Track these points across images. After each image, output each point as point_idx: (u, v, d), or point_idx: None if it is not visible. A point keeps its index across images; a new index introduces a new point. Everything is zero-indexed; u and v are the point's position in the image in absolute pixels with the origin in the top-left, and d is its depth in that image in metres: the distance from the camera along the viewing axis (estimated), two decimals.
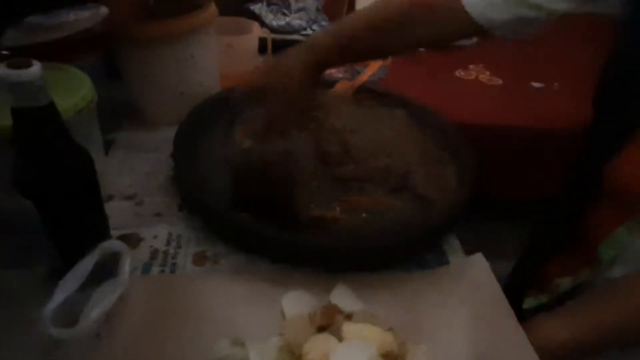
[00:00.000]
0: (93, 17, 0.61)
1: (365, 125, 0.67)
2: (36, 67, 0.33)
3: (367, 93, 0.76)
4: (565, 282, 0.52)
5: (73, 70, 0.52)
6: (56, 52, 0.56)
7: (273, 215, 0.49)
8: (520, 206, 1.29)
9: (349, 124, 0.65)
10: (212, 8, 0.68)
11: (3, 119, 0.38)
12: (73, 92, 0.47)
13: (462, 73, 1.59)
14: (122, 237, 0.51)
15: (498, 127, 1.35)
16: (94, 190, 0.42)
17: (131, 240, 0.51)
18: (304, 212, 0.51)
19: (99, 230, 0.45)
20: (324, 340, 0.38)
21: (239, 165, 0.54)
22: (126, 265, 0.43)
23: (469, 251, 0.52)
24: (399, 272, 0.49)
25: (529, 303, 0.55)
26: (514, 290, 0.52)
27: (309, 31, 0.95)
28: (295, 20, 0.94)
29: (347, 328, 0.39)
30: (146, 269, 0.48)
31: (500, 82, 1.59)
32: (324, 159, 0.61)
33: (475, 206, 0.54)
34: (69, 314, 0.39)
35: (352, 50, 0.55)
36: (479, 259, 0.48)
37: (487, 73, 1.61)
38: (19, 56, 0.35)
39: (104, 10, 0.63)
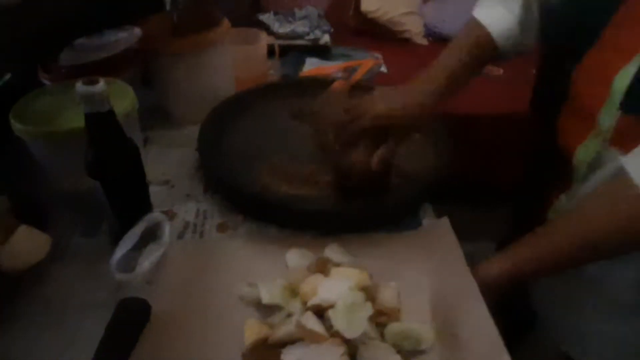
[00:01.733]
0: (130, 37, 0.75)
1: None
2: (102, 84, 0.47)
3: (360, 89, 0.87)
4: None
5: (118, 82, 0.65)
6: (103, 68, 0.70)
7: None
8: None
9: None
10: (226, 24, 0.81)
11: (77, 123, 0.52)
12: (121, 100, 0.61)
13: None
14: (160, 213, 0.64)
15: (494, 116, 1.44)
16: (141, 173, 0.56)
17: (168, 215, 0.65)
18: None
19: (146, 205, 0.59)
20: (315, 278, 0.50)
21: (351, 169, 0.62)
22: (167, 230, 0.56)
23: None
24: (381, 234, 0.61)
25: None
26: None
27: (311, 36, 1.07)
28: (299, 27, 1.06)
29: (334, 271, 0.52)
30: (181, 236, 0.62)
31: (501, 72, 1.67)
32: (323, 147, 0.73)
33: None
34: (127, 265, 0.53)
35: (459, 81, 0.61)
36: (444, 221, 0.59)
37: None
38: (74, 73, 0.48)
39: (138, 31, 0.77)
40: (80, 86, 0.46)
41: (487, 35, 0.59)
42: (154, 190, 0.68)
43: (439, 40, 2.04)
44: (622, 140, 0.45)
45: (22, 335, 0.50)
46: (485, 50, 0.60)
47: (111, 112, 0.49)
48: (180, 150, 0.78)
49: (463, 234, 0.59)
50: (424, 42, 2.04)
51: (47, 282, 0.55)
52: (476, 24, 0.61)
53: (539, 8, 0.58)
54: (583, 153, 0.52)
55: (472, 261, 0.54)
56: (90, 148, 0.50)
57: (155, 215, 0.57)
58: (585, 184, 0.54)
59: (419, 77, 0.61)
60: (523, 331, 0.74)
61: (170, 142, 0.81)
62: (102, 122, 0.48)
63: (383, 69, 1.79)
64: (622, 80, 0.45)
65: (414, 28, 2.00)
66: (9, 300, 0.52)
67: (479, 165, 1.49)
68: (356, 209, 0.62)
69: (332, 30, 1.12)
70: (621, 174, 0.43)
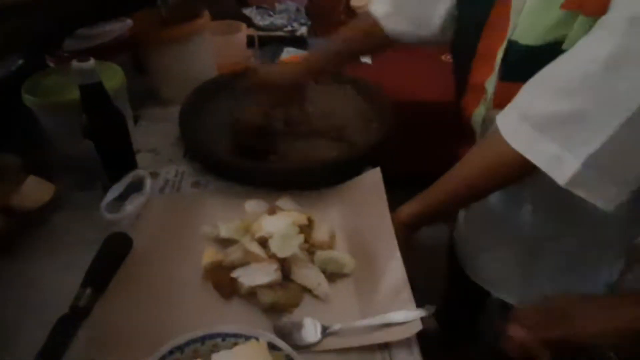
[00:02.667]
0: (122, 27, 0.88)
1: (321, 97, 0.91)
2: (92, 61, 0.59)
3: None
4: None
5: (110, 64, 0.78)
6: (99, 53, 0.82)
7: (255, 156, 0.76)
8: None
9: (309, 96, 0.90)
10: (206, 16, 0.93)
11: (73, 94, 0.65)
12: (111, 78, 0.74)
13: (448, 57, 1.75)
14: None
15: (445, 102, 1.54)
16: (127, 137, 0.69)
17: (152, 175, 0.77)
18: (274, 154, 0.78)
19: (131, 163, 0.71)
20: (264, 218, 0.63)
21: (239, 125, 0.81)
22: (148, 184, 0.69)
23: None
24: (325, 190, 0.73)
25: None
26: None
27: (289, 27, 1.19)
28: (278, 20, 1.18)
29: (279, 213, 0.64)
30: (161, 191, 0.75)
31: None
32: (288, 121, 0.85)
33: None
34: (116, 208, 0.66)
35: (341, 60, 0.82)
36: (375, 171, 0.71)
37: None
38: (74, 57, 0.60)
39: (129, 22, 0.90)
40: (74, 63, 0.59)
41: (375, 23, 0.73)
42: (142, 157, 0.82)
43: None
44: (503, 102, 0.57)
45: (29, 262, 0.63)
46: (375, 38, 0.75)
47: (100, 84, 0.61)
48: (166, 124, 0.91)
49: None
50: None
51: (52, 223, 0.68)
52: (368, 15, 0.75)
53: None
54: (477, 115, 0.64)
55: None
56: (84, 113, 0.63)
57: (139, 171, 0.70)
58: (482, 138, 0.65)
59: (304, 56, 0.82)
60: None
61: (158, 118, 0.93)
62: (92, 91, 0.61)
63: (367, 60, 1.90)
64: (499, 55, 0.57)
65: None
66: (18, 235, 0.65)
67: (426, 151, 1.56)
68: (304, 170, 0.74)
69: (309, 22, 1.24)
70: (494, 129, 0.54)
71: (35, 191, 0.64)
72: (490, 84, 0.59)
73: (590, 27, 0.47)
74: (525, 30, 0.54)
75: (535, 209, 0.65)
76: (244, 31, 1.06)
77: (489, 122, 0.62)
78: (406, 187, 0.77)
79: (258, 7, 1.22)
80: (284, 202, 0.70)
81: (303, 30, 1.21)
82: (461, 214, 0.84)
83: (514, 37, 0.55)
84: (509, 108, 0.53)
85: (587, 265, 0.68)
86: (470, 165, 0.57)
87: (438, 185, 0.61)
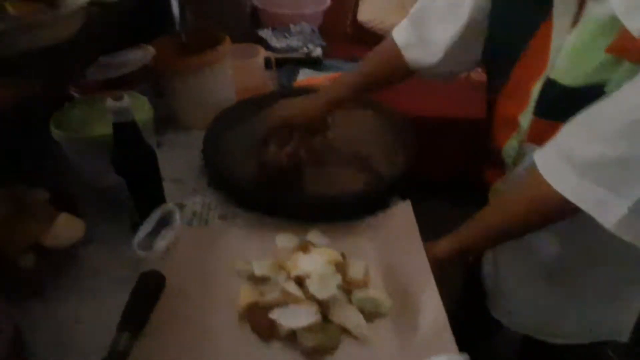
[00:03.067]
0: (145, 55, 0.88)
1: (342, 123, 0.91)
2: (127, 99, 0.59)
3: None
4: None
5: (136, 94, 0.78)
6: (123, 83, 0.82)
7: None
8: None
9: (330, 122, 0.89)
10: (227, 42, 0.93)
11: (103, 130, 0.65)
12: (139, 110, 0.73)
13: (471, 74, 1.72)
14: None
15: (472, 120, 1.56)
16: (156, 171, 0.68)
17: (179, 206, 0.77)
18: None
19: (160, 197, 0.71)
20: (298, 255, 0.62)
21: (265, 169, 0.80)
22: (177, 218, 0.69)
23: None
24: (354, 222, 0.73)
25: None
26: None
27: (305, 49, 1.19)
28: (294, 42, 1.18)
29: (313, 251, 0.64)
30: (189, 223, 0.74)
31: (484, 78, 1.77)
32: (310, 150, 0.85)
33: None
34: (146, 245, 0.65)
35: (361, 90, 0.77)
36: (406, 204, 0.71)
37: (479, 70, 1.78)
38: (99, 87, 0.60)
39: (152, 50, 0.90)
40: (110, 101, 0.59)
41: (398, 53, 0.72)
42: (166, 186, 0.81)
43: None
44: (538, 138, 0.57)
45: (62, 302, 0.62)
46: (397, 69, 0.74)
47: (134, 122, 0.61)
48: (188, 151, 0.91)
49: (438, 225, 0.71)
50: None
51: (82, 259, 0.67)
52: (390, 44, 0.74)
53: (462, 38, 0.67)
54: (510, 149, 0.64)
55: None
56: (117, 151, 0.63)
57: (169, 205, 0.70)
58: (513, 172, 0.65)
59: (323, 87, 0.78)
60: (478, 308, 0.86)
61: (180, 144, 0.93)
62: (126, 130, 0.61)
63: None
64: (535, 91, 0.57)
65: None
66: (52, 273, 0.64)
67: (454, 164, 1.60)
68: (333, 202, 0.74)
69: (324, 44, 1.24)
70: (531, 167, 0.54)
71: (66, 229, 0.64)
72: (525, 119, 0.59)
73: (635, 73, 0.47)
74: (565, 70, 0.54)
75: (568, 244, 0.65)
76: (262, 54, 1.06)
77: (521, 155, 0.62)
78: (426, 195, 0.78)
79: (274, 29, 1.22)
80: (314, 236, 0.69)
81: (318, 51, 1.22)
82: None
83: (553, 76, 0.55)
84: (549, 148, 0.53)
85: (621, 300, 0.68)
86: (510, 204, 0.57)
87: (475, 223, 0.60)
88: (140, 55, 0.87)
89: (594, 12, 0.50)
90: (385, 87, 0.78)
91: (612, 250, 0.60)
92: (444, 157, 1.55)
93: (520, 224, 0.57)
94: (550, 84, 0.55)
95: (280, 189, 0.77)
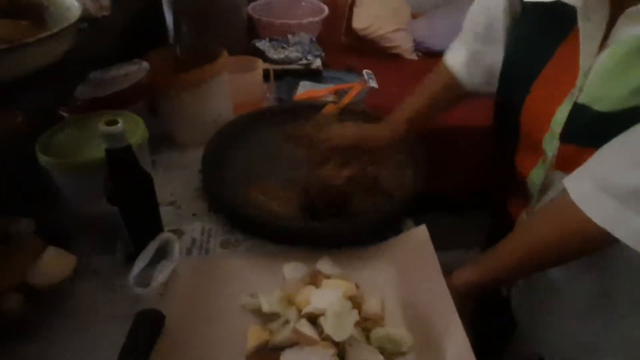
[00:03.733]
0: (139, 71, 0.83)
1: None
2: (121, 124, 0.54)
3: (349, 113, 0.95)
4: None
5: (130, 115, 0.72)
6: (115, 101, 0.77)
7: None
8: None
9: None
10: (224, 56, 0.89)
11: (94, 154, 0.60)
12: (134, 132, 0.68)
13: None
14: (170, 232, 0.71)
15: (477, 128, 1.53)
16: (153, 199, 0.63)
17: (176, 233, 0.72)
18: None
19: (157, 226, 0.66)
20: (308, 290, 0.57)
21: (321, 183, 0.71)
22: (176, 249, 0.64)
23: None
24: (365, 248, 0.68)
25: None
26: None
27: (304, 61, 1.15)
28: (293, 53, 1.14)
29: (325, 283, 0.59)
30: (188, 252, 0.69)
31: None
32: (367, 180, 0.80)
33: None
34: (143, 280, 0.60)
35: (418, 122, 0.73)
36: (422, 229, 0.67)
37: None
38: (89, 106, 0.55)
39: (145, 65, 0.85)
40: (102, 126, 0.54)
41: (453, 79, 0.69)
42: (162, 210, 0.75)
43: (427, 54, 2.13)
44: (566, 165, 0.53)
45: (52, 344, 0.56)
46: (453, 92, 0.70)
47: (128, 147, 0.56)
48: (186, 171, 0.85)
49: (447, 240, 0.67)
50: (414, 57, 2.13)
51: (72, 296, 0.61)
52: (444, 68, 0.71)
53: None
54: (535, 177, 0.60)
55: (448, 268, 0.61)
56: (110, 178, 0.57)
57: (166, 234, 0.65)
58: (540, 203, 0.61)
59: (387, 117, 0.73)
60: (505, 337, 0.82)
61: (176, 164, 0.88)
62: (120, 156, 0.56)
63: (374, 84, 1.87)
64: (560, 116, 0.53)
65: (403, 44, 2.09)
66: (40, 313, 0.59)
67: (463, 174, 1.58)
68: (343, 227, 0.69)
69: (323, 54, 1.20)
70: (563, 195, 0.50)
71: (54, 265, 0.58)
72: (549, 144, 0.55)
73: None
74: (597, 94, 0.50)
75: (607, 275, 0.61)
76: (261, 67, 1.02)
77: (548, 184, 0.58)
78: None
79: (271, 40, 1.17)
80: (324, 265, 0.65)
81: (318, 62, 1.17)
82: None
83: (582, 101, 0.51)
84: (582, 176, 0.49)
85: None
86: (539, 234, 0.53)
87: (500, 252, 0.56)
88: (134, 71, 0.82)
89: (627, 33, 0.46)
90: (442, 112, 0.75)
91: None
92: (453, 167, 1.53)
93: (551, 256, 0.53)
94: (579, 109, 0.51)
95: (327, 213, 0.71)
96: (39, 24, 0.51)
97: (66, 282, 0.59)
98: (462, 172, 1.70)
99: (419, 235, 0.66)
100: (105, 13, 0.61)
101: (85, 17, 0.58)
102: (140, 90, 0.81)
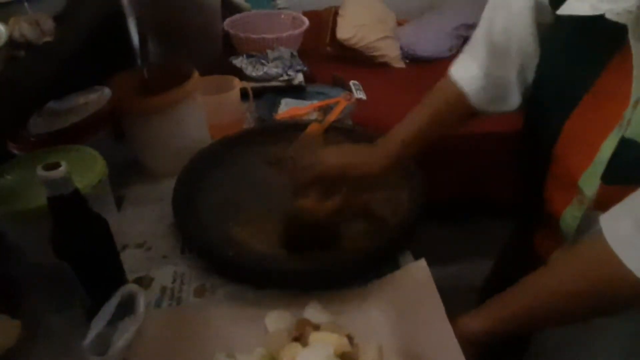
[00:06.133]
0: (100, 98, 0.75)
1: None
2: (63, 168, 0.46)
3: (335, 131, 0.88)
4: None
5: (88, 150, 0.64)
6: (73, 134, 0.69)
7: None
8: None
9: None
10: (195, 76, 0.81)
11: (41, 199, 0.51)
12: (88, 170, 0.60)
13: None
14: (137, 280, 0.63)
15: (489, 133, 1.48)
16: (110, 247, 0.55)
17: (144, 281, 0.63)
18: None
19: (118, 276, 0.57)
20: (293, 348, 0.49)
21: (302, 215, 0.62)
22: (141, 305, 0.55)
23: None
24: (359, 287, 0.60)
25: None
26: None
27: (285, 77, 1.08)
28: (272, 69, 1.06)
29: (313, 337, 0.51)
30: (158, 303, 0.61)
31: None
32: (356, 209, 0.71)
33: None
34: (102, 344, 0.51)
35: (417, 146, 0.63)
36: (421, 264, 0.59)
37: None
38: (44, 141, 0.47)
39: (107, 91, 0.77)
40: (40, 171, 0.46)
41: (460, 94, 0.61)
42: (129, 255, 0.68)
43: (415, 61, 2.08)
44: (607, 206, 0.44)
45: None
46: (457, 110, 0.62)
47: (75, 193, 0.48)
48: (157, 205, 0.77)
49: (455, 251, 0.59)
50: (402, 64, 2.08)
51: None
52: (449, 82, 0.62)
53: (519, 74, 0.58)
54: (569, 218, 0.52)
55: (452, 307, 0.53)
56: (56, 230, 0.49)
57: (129, 287, 0.56)
58: (574, 239, 0.53)
59: (381, 139, 0.64)
60: None
61: (147, 198, 0.80)
62: (66, 204, 0.48)
63: (362, 95, 1.81)
64: (605, 152, 0.46)
65: (390, 52, 2.03)
66: None
67: (477, 181, 1.53)
68: (332, 265, 0.61)
69: (306, 68, 1.13)
70: (597, 234, 0.42)
71: None
72: (588, 184, 0.48)
73: None
74: None
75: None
76: (238, 87, 0.94)
77: (586, 225, 0.50)
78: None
79: (249, 56, 1.10)
80: (312, 312, 0.57)
81: (300, 77, 1.10)
82: None
83: (630, 135, 0.44)
84: (621, 215, 0.42)
85: None
86: (567, 281, 0.45)
87: (515, 299, 0.48)
88: (94, 99, 0.74)
89: None
90: (447, 132, 0.65)
91: None
92: (453, 174, 1.46)
93: (580, 308, 0.45)
94: (625, 145, 0.44)
95: (311, 250, 0.63)
96: None
97: (10, 354, 0.51)
98: (464, 180, 1.64)
99: (419, 271, 0.58)
100: (49, 39, 0.54)
101: (21, 44, 0.50)
102: (102, 119, 0.73)
